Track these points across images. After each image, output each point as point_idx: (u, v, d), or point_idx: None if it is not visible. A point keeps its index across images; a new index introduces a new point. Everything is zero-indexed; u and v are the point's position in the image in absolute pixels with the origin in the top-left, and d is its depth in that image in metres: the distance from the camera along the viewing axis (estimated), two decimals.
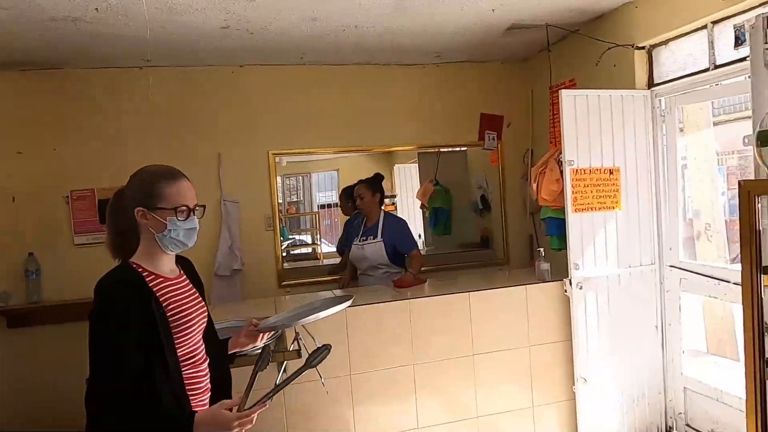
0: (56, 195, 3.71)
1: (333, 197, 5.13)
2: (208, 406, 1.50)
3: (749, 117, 2.08)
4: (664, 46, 3.08)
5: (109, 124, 3.77)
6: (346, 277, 3.83)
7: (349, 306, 1.81)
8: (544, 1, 3.06)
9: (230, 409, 1.38)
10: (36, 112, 3.67)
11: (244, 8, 2.83)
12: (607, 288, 3.03)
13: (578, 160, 2.94)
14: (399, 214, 5.03)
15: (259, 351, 1.71)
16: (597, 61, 3.36)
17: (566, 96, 2.92)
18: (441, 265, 4.42)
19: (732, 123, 7.59)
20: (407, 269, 3.33)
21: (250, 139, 4.00)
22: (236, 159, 3.97)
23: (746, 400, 1.86)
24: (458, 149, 4.75)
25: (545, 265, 3.08)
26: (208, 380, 1.55)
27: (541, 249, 3.22)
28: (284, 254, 4.41)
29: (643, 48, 3.16)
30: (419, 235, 5.05)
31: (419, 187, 4.94)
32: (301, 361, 1.60)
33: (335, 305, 1.79)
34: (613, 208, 3.03)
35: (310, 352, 1.61)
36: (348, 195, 4.00)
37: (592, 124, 2.97)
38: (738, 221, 1.85)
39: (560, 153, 3.00)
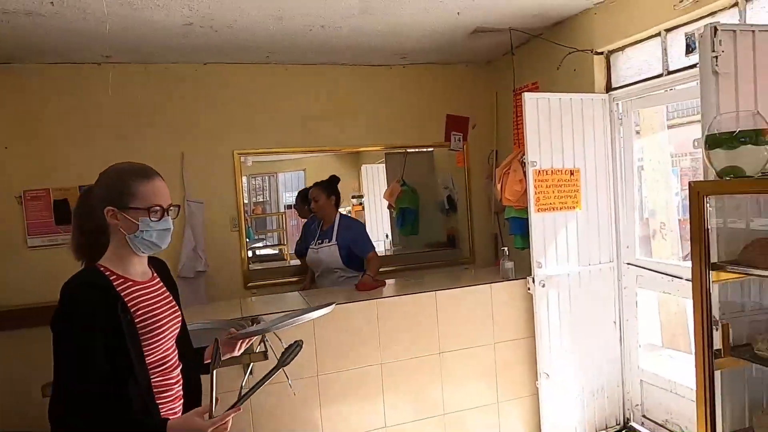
0: (8, 195, 3.55)
1: None
2: (180, 414, 1.45)
3: (700, 121, 2.19)
4: (621, 52, 3.20)
5: (66, 121, 3.63)
6: (307, 281, 3.76)
7: (326, 309, 1.76)
8: (507, 6, 3.12)
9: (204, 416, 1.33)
10: None
11: (208, 5, 2.79)
12: (569, 285, 3.12)
13: (541, 161, 3.02)
14: (366, 214, 5.06)
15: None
16: (558, 65, 3.46)
17: (529, 99, 3.00)
18: (408, 265, 4.46)
19: (685, 126, 7.93)
20: (365, 272, 3.26)
21: (214, 139, 3.93)
22: (200, 158, 3.89)
23: (696, 390, 1.95)
24: (425, 150, 4.80)
25: (509, 264, 3.14)
26: (180, 387, 1.49)
27: (506, 248, 3.29)
28: (250, 255, 4.36)
29: (601, 53, 3.27)
30: (386, 235, 5.08)
31: (386, 188, 4.97)
32: (269, 363, 1.58)
33: (314, 311, 1.75)
34: (574, 208, 3.12)
35: (282, 350, 1.57)
36: (304, 198, 3.93)
37: (553, 126, 3.05)
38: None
39: (523, 154, 3.07)
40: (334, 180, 3.55)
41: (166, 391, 1.43)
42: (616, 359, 3.26)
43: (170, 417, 1.41)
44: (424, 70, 4.38)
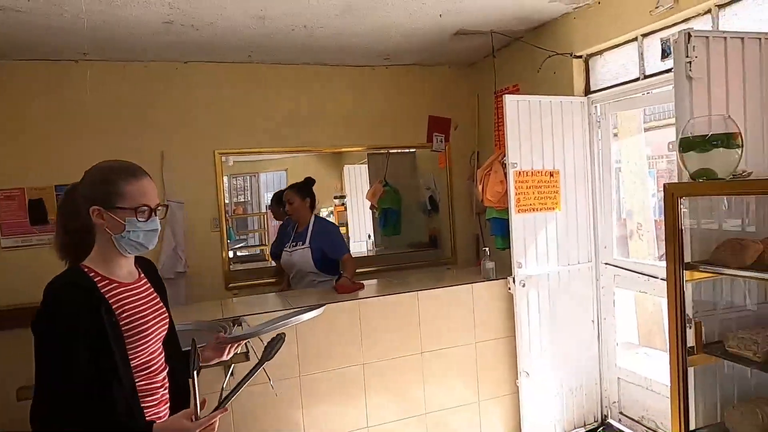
0: None
1: None
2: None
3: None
4: (599, 56, 3.26)
5: (42, 120, 3.56)
6: (284, 283, 3.71)
7: (317, 311, 1.74)
8: (489, 9, 3.16)
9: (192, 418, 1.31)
10: None
11: (189, 3, 2.76)
12: (548, 285, 3.16)
13: (521, 163, 3.05)
14: (348, 215, 5.05)
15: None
16: (539, 68, 3.51)
17: (510, 101, 3.03)
18: (390, 265, 4.47)
19: (662, 129, 8.11)
20: (342, 274, 3.22)
21: (195, 138, 3.90)
22: (180, 158, 3.85)
23: (670, 386, 2.00)
24: (407, 151, 4.82)
25: (490, 264, 3.18)
26: (166, 391, 1.45)
27: (487, 248, 3.33)
28: (231, 256, 4.32)
29: (580, 57, 3.33)
30: (369, 235, 5.09)
31: (369, 188, 4.97)
32: (250, 364, 1.57)
33: (304, 314, 1.72)
34: (554, 208, 3.17)
35: (265, 345, 1.55)
36: (278, 200, 3.86)
37: (534, 128, 3.10)
38: None
39: (504, 155, 3.11)
40: (309, 182, 3.48)
41: (152, 394, 1.40)
42: (594, 357, 3.31)
43: (158, 420, 1.38)
44: (407, 71, 4.40)
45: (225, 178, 4.16)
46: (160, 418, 1.41)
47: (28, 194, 3.54)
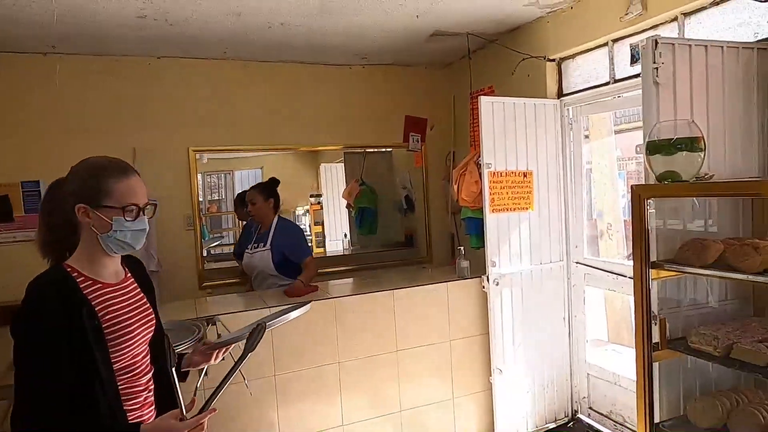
0: None
1: None
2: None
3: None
4: (572, 59, 3.34)
5: (6, 114, 3.45)
6: (248, 285, 3.61)
7: (303, 309, 1.72)
8: (464, 11, 3.20)
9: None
10: None
11: None
12: (521, 284, 3.23)
13: (495, 163, 3.10)
14: (325, 213, 5.04)
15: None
16: (513, 70, 3.57)
17: (485, 102, 3.08)
18: (366, 264, 4.48)
19: (632, 131, 8.31)
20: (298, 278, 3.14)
21: (168, 135, 3.83)
22: (153, 155, 3.78)
23: (636, 381, 2.07)
24: (384, 150, 4.84)
25: (465, 263, 3.22)
26: (151, 394, 1.42)
27: (462, 247, 3.37)
28: (205, 254, 4.27)
29: (553, 60, 3.40)
30: (345, 234, 5.09)
31: (345, 187, 4.97)
32: (226, 364, 1.56)
33: (290, 312, 1.70)
34: (527, 208, 3.23)
35: (246, 338, 1.55)
36: (242, 200, 3.75)
37: (508, 129, 3.15)
38: None
39: (479, 156, 3.16)
40: (273, 182, 3.41)
41: (135, 397, 1.36)
42: (565, 354, 3.39)
43: (145, 420, 1.36)
44: (384, 71, 4.42)
45: (199, 176, 4.10)
46: (144, 421, 1.37)
47: None
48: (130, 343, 1.34)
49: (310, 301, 1.78)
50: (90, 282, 1.31)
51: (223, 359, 1.63)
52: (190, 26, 3.16)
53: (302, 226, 4.81)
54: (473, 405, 3.22)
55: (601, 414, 3.31)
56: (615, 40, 2.98)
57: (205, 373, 1.83)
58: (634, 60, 2.83)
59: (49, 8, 2.72)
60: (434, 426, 3.12)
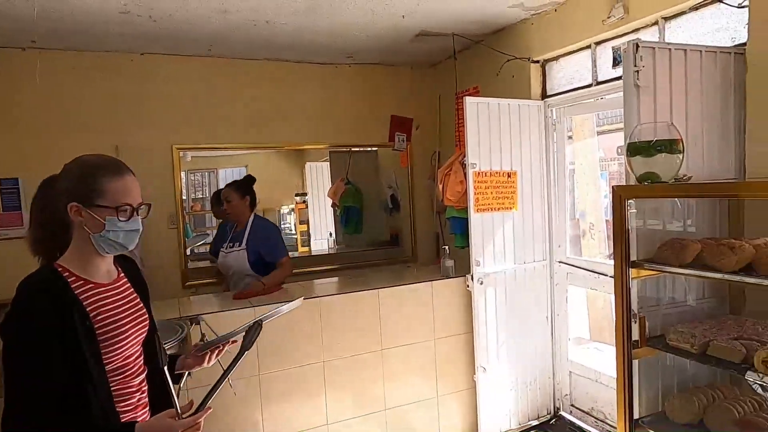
0: None
1: None
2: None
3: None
4: (555, 61, 3.38)
5: None
6: (224, 285, 3.52)
7: (295, 303, 1.71)
8: (450, 12, 3.22)
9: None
10: None
11: None
12: (505, 283, 3.26)
13: (480, 163, 3.13)
14: (310, 212, 5.03)
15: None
16: (498, 71, 3.60)
17: (470, 102, 3.10)
18: (352, 263, 4.48)
19: (614, 133, 8.42)
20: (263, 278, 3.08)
21: (152, 132, 3.79)
22: (136, 153, 3.72)
23: (617, 378, 2.11)
24: (369, 149, 4.84)
25: (449, 262, 3.24)
26: (144, 395, 1.41)
27: (446, 247, 3.39)
28: (188, 253, 4.23)
29: (538, 62, 3.44)
30: (330, 233, 5.08)
31: (331, 186, 4.97)
32: (215, 366, 1.56)
33: (281, 307, 1.68)
34: (511, 208, 3.27)
35: (243, 335, 1.52)
36: (218, 198, 3.66)
37: (492, 129, 3.18)
38: None
39: (464, 156, 3.18)
40: (249, 179, 3.34)
41: (128, 398, 1.35)
42: (547, 352, 3.44)
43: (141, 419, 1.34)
44: (370, 70, 4.42)
45: (183, 174, 4.06)
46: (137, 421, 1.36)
47: None
48: (122, 343, 1.32)
49: (302, 297, 1.78)
50: (81, 282, 1.29)
51: (218, 361, 1.62)
52: (174, 22, 3.13)
53: (287, 225, 4.80)
54: (457, 403, 3.24)
55: (583, 411, 3.36)
56: (598, 43, 3.03)
57: (189, 373, 1.82)
58: (616, 63, 2.88)
59: (29, 3, 2.67)
60: (418, 424, 3.14)
